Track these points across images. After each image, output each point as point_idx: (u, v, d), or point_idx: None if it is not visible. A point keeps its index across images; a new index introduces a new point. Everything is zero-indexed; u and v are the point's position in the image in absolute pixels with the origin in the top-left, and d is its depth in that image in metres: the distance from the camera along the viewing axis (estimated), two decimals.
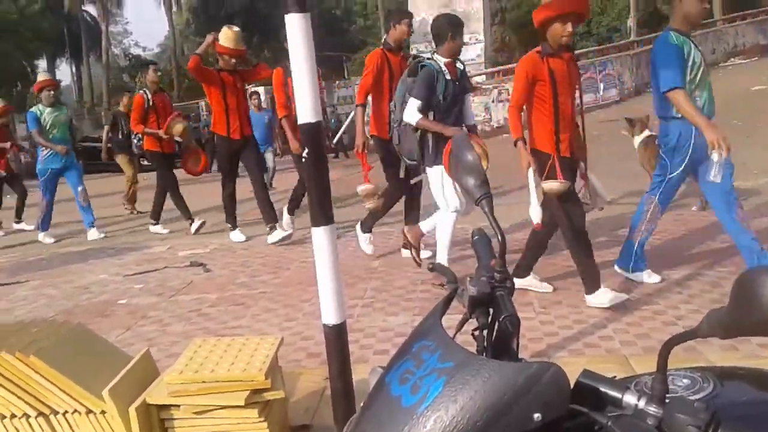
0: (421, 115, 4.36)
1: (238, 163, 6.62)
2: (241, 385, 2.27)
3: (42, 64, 40.00)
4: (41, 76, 8.94)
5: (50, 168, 7.70)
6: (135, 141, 8.71)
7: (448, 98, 4.43)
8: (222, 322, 4.22)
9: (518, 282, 4.25)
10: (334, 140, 10.58)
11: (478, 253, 1.34)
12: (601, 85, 17.28)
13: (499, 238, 1.26)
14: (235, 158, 6.52)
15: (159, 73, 7.86)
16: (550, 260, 4.71)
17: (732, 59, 21.51)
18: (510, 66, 19.63)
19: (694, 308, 3.71)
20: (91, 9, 37.94)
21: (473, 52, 18.95)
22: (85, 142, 19.58)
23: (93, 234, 7.67)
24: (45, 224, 7.88)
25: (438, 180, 4.46)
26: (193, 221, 7.31)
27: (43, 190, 7.78)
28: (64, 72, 45.92)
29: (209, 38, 6.40)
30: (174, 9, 38.59)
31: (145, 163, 8.87)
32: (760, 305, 0.85)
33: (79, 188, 7.71)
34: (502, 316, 1.16)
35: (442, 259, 4.49)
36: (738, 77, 17.09)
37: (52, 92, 7.77)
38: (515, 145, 3.86)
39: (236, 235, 6.66)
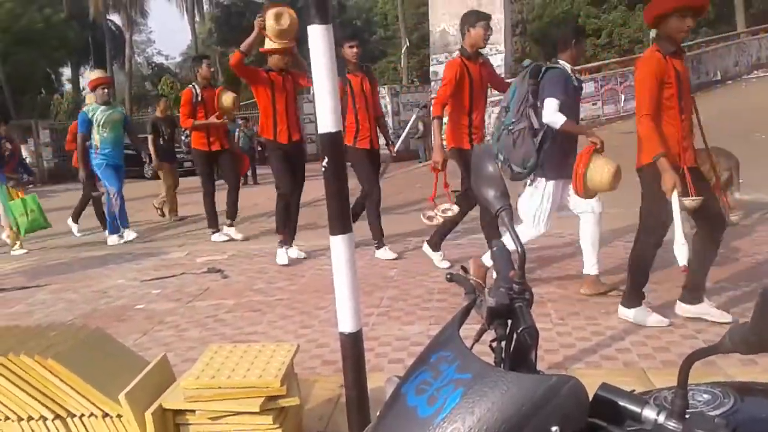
0: (564, 116, 4.04)
1: (292, 169, 5.94)
2: (256, 392, 2.28)
3: (66, 71, 40.67)
4: (95, 74, 8.62)
5: (106, 160, 7.55)
6: (183, 138, 8.65)
7: (572, 106, 4.20)
8: (238, 328, 4.23)
9: (691, 309, 3.77)
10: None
11: (498, 264, 1.34)
12: (623, 97, 17.20)
13: (519, 249, 1.25)
14: (287, 162, 5.88)
15: (212, 69, 7.59)
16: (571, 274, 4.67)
17: (756, 72, 21.28)
18: None
19: (713, 321, 3.66)
20: (115, 18, 38.45)
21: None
22: None
23: (113, 240, 7.64)
24: (123, 219, 7.73)
25: (539, 195, 4.21)
26: (217, 231, 7.26)
27: (107, 184, 7.62)
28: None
29: (257, 26, 5.58)
30: (197, 19, 39.01)
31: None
32: None
33: (113, 192, 7.61)
34: (521, 328, 1.15)
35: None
36: (761, 91, 16.91)
37: (106, 90, 7.58)
38: (654, 162, 3.38)
39: (290, 253, 5.95)
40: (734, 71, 21.03)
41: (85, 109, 7.71)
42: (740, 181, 5.96)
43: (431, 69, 16.72)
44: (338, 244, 2.34)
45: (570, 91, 4.17)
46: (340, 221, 2.34)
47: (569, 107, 4.13)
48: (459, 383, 1.02)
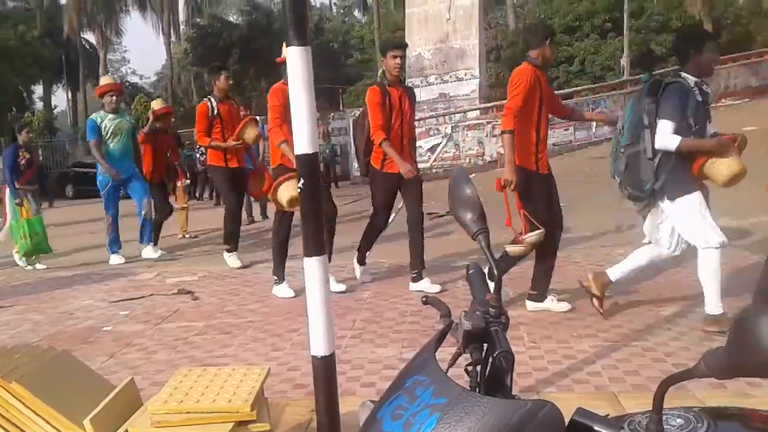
0: (679, 137, 3.74)
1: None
2: (226, 417, 2.23)
3: (38, 89, 40.19)
4: (103, 80, 8.09)
5: (109, 179, 7.15)
6: (198, 156, 8.06)
7: (696, 124, 3.84)
8: (208, 351, 4.16)
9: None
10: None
11: (473, 288, 1.33)
12: (594, 123, 17.51)
13: (495, 272, 1.25)
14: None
15: (231, 82, 7.02)
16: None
17: (723, 100, 21.82)
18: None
19: (684, 345, 3.70)
20: (90, 36, 38.23)
21: (468, 87, 19.20)
22: (78, 168, 19.58)
23: (148, 252, 7.38)
24: (114, 244, 7.35)
25: (685, 213, 3.88)
26: (234, 252, 6.68)
27: (105, 206, 7.27)
28: (60, 98, 46.04)
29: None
30: (173, 39, 38.93)
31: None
32: (759, 347, 0.84)
33: (144, 200, 7.31)
34: (497, 352, 1.15)
35: (712, 306, 3.84)
36: (729, 118, 17.31)
37: (115, 97, 7.26)
38: None
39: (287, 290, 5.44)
40: None
41: (93, 115, 7.35)
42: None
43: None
44: (312, 265, 2.32)
45: (692, 105, 3.81)
46: (315, 243, 2.33)
47: (696, 121, 3.84)
48: (435, 408, 1.00)
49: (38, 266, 7.52)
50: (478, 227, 1.34)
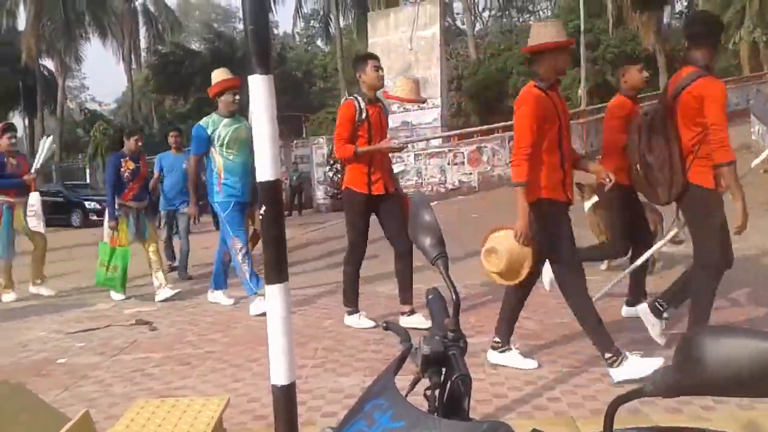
0: None
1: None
2: None
3: None
4: (219, 74, 5.90)
5: (233, 198, 5.63)
6: (330, 173, 5.19)
7: None
8: (167, 383, 4.08)
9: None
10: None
11: (432, 312, 1.35)
12: None
13: (454, 297, 1.27)
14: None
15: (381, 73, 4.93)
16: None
17: None
18: (466, 130, 20.16)
19: None
20: (48, 63, 37.67)
21: (430, 116, 19.42)
22: None
23: (217, 297, 6.16)
24: (244, 285, 5.71)
25: None
26: (356, 313, 5.04)
27: (235, 233, 5.65)
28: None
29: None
30: (134, 66, 38.64)
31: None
32: (702, 366, 0.87)
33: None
34: (455, 376, 1.16)
35: None
36: None
37: (236, 96, 5.73)
38: None
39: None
40: None
41: (204, 120, 5.74)
42: (664, 233, 6.20)
43: None
44: (274, 293, 2.30)
45: None
46: (277, 270, 2.32)
47: None
48: (393, 431, 1.01)
49: (42, 291, 7.15)
50: (437, 252, 1.37)
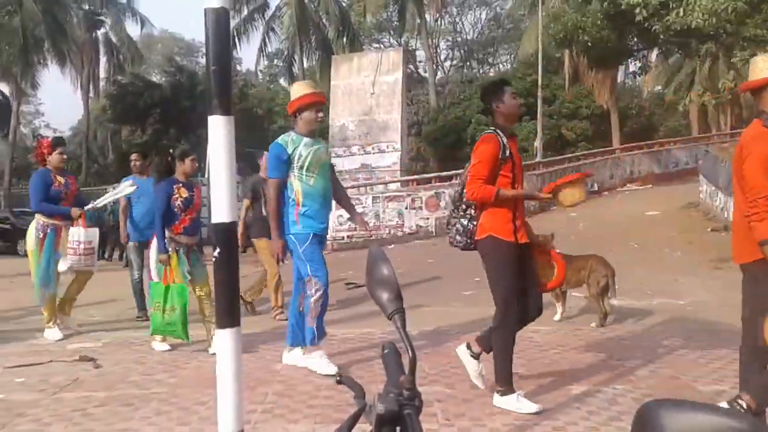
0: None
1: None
2: None
3: None
4: (304, 87, 5.09)
5: (313, 229, 4.82)
6: (464, 221, 4.21)
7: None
8: (108, 424, 3.92)
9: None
10: None
11: (388, 369, 1.33)
12: None
13: (410, 354, 1.25)
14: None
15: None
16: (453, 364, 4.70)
17: (629, 185, 23.14)
18: (425, 176, 20.36)
19: (593, 425, 3.76)
20: (3, 86, 36.92)
21: (390, 159, 19.64)
22: None
23: (293, 357, 5.11)
24: (320, 330, 4.90)
25: None
26: (512, 393, 4.04)
27: (314, 271, 4.75)
28: None
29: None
30: (91, 95, 38.16)
31: None
32: None
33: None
34: None
35: None
36: (634, 202, 18.32)
37: (319, 114, 4.91)
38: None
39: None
40: (610, 183, 22.76)
41: (281, 138, 4.93)
42: (616, 287, 6.33)
43: (332, 160, 17.09)
44: (225, 337, 2.25)
45: None
46: (229, 314, 2.27)
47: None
48: None
49: (52, 335, 6.25)
50: (394, 307, 1.35)
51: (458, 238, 4.26)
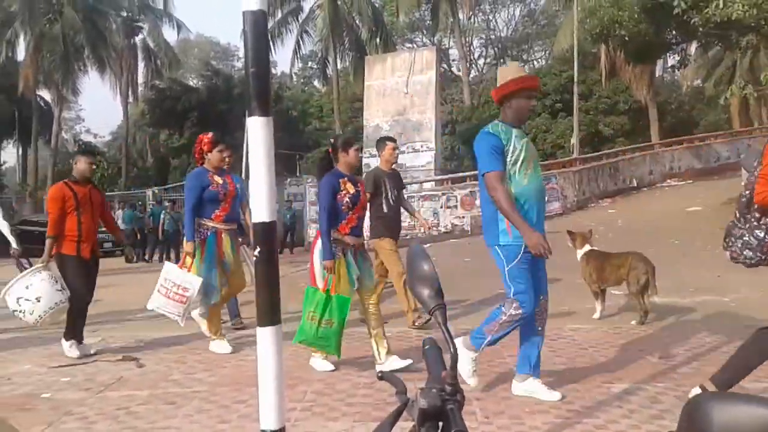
0: None
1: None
2: None
3: None
4: (514, 71, 4.17)
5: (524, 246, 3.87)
6: (760, 233, 3.55)
7: None
8: (151, 422, 4.00)
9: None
10: None
11: (429, 364, 1.34)
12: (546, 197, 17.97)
13: (451, 349, 1.26)
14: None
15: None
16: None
17: (668, 180, 22.74)
18: (459, 174, 20.29)
19: (634, 423, 3.71)
20: (45, 93, 37.87)
21: (424, 158, 19.62)
22: (24, 225, 19.04)
23: (545, 394, 4.13)
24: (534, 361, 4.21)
25: None
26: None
27: (517, 290, 3.94)
28: (10, 153, 45.13)
29: None
30: (130, 100, 38.91)
31: None
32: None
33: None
34: (453, 431, 1.14)
35: None
36: (674, 198, 17.99)
37: (531, 101, 4.15)
38: None
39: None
40: (649, 179, 22.40)
41: (491, 128, 4.12)
42: (657, 284, 6.22)
43: (363, 161, 17.15)
44: (266, 336, 2.28)
45: None
46: (270, 312, 2.30)
47: None
48: None
49: (219, 347, 5.72)
50: (435, 303, 1.36)
51: (748, 253, 3.57)
